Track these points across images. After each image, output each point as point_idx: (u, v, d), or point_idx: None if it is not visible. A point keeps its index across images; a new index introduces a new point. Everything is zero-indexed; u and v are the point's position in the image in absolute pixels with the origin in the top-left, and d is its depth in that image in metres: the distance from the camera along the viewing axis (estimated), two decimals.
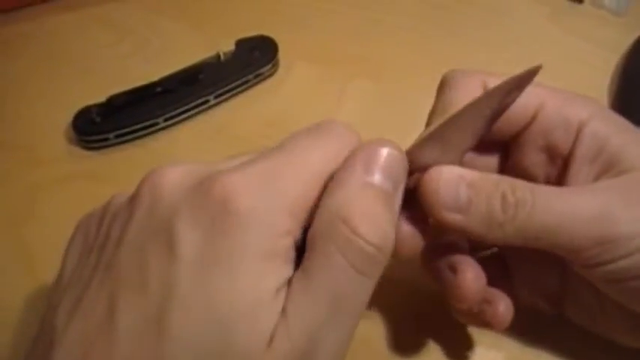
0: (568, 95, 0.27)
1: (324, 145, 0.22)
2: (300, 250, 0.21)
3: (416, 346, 0.30)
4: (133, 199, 0.22)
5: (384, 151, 0.22)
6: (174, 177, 0.22)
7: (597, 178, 0.25)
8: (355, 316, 0.21)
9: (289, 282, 0.21)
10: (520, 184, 0.24)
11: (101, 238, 0.23)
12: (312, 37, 0.46)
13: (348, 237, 0.20)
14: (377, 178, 0.22)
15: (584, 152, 0.26)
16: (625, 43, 0.44)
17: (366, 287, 0.21)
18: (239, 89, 0.42)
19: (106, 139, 0.40)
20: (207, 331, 0.19)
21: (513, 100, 0.25)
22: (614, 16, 0.47)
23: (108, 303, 0.20)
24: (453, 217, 0.24)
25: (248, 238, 0.20)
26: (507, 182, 0.24)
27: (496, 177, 0.24)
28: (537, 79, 0.23)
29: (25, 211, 0.37)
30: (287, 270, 0.21)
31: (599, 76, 0.43)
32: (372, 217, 0.21)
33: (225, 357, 0.19)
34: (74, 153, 0.40)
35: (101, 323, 0.20)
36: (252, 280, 0.20)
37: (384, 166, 0.22)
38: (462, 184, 0.23)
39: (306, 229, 0.21)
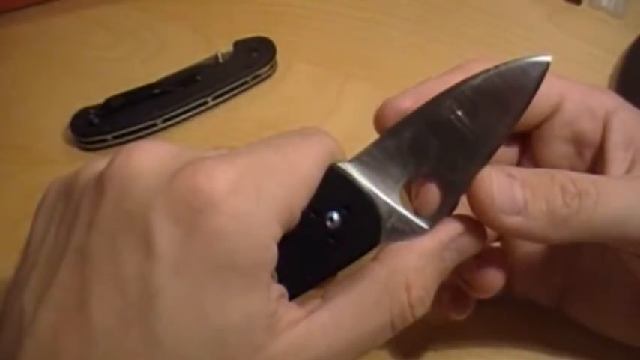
0: (588, 86, 0.27)
1: (310, 148, 0.22)
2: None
3: (415, 349, 0.30)
4: (104, 176, 0.20)
5: (469, 234, 0.23)
6: (151, 156, 0.20)
7: (630, 167, 0.25)
8: (362, 354, 0.22)
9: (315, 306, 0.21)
10: (579, 175, 0.23)
11: (70, 215, 0.21)
12: (311, 38, 0.46)
13: (403, 304, 0.21)
14: (448, 254, 0.23)
15: (617, 140, 0.25)
16: (623, 44, 0.44)
17: (388, 337, 0.22)
18: (237, 90, 0.42)
19: (104, 141, 0.39)
20: (200, 344, 0.19)
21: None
22: (613, 17, 0.47)
23: (80, 294, 0.19)
24: (513, 221, 0.22)
25: (237, 248, 0.19)
26: (565, 174, 0.23)
27: (549, 171, 0.24)
28: None
29: (23, 212, 0.36)
30: (271, 279, 0.20)
31: (598, 78, 0.43)
32: (427, 293, 0.22)
33: None
34: (72, 154, 0.40)
35: (74, 316, 0.19)
36: (242, 294, 0.19)
37: (459, 245, 0.23)
38: (515, 184, 0.22)
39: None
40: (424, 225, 0.23)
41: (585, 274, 0.28)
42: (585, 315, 0.28)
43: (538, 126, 0.27)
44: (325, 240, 0.22)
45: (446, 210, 0.23)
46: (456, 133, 0.23)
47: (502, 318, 0.30)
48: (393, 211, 0.23)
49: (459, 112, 0.23)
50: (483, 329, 0.30)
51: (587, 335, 0.28)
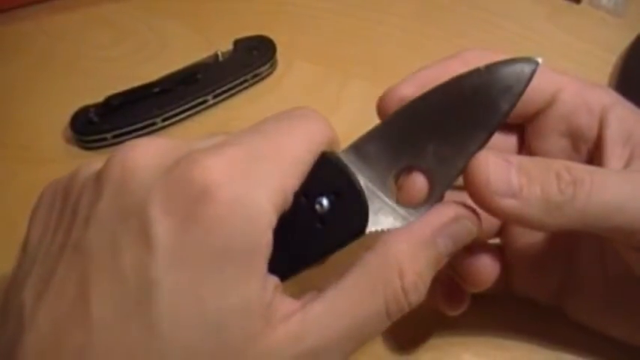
0: (585, 82, 0.27)
1: (299, 131, 0.22)
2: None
3: (410, 343, 0.30)
4: (102, 174, 0.21)
5: (461, 221, 0.23)
6: (147, 153, 0.21)
7: (628, 162, 0.25)
8: (360, 345, 0.22)
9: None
10: (574, 164, 0.23)
11: (68, 214, 0.22)
12: (311, 37, 0.46)
13: (397, 290, 0.21)
14: (442, 240, 0.23)
15: (615, 136, 0.25)
16: (623, 43, 0.45)
17: (384, 326, 0.22)
18: (237, 89, 0.43)
19: (104, 139, 0.40)
20: (198, 331, 0.19)
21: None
22: (612, 16, 0.48)
23: (79, 287, 0.19)
24: (508, 203, 0.22)
25: (233, 233, 0.19)
26: (560, 163, 0.23)
27: (545, 159, 0.24)
28: None
29: (24, 211, 0.36)
30: (266, 265, 0.20)
31: (597, 77, 0.43)
32: (420, 279, 0.22)
33: (215, 357, 0.19)
34: (72, 153, 0.40)
35: (74, 309, 0.19)
36: (240, 278, 0.19)
37: (453, 232, 0.23)
38: (511, 168, 0.23)
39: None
40: (411, 215, 0.24)
41: (584, 271, 0.28)
42: (584, 313, 0.28)
43: (534, 117, 0.27)
44: (313, 224, 0.22)
45: (433, 200, 0.24)
46: (445, 128, 0.23)
47: (500, 313, 0.30)
48: (381, 200, 0.23)
49: (448, 108, 0.23)
50: (481, 324, 0.30)
51: (586, 331, 0.28)
